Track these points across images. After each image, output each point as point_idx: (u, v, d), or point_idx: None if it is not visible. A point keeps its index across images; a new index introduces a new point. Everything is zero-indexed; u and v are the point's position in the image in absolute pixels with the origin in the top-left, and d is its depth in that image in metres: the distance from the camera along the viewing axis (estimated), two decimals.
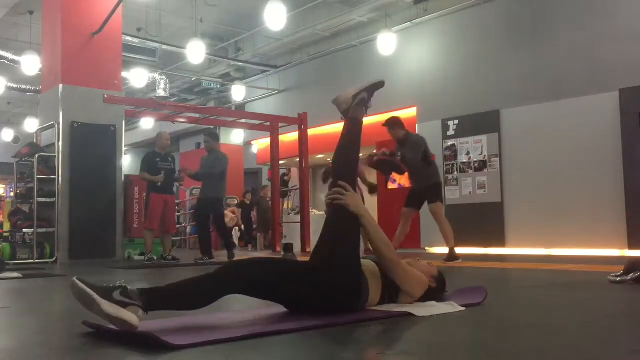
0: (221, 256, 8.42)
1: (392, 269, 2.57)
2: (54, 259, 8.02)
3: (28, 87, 14.51)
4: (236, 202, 16.06)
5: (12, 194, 14.84)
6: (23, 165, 8.92)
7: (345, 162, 2.78)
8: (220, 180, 7.98)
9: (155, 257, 7.81)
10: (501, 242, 9.25)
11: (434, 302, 2.73)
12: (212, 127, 15.92)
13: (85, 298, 2.04)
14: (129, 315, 2.00)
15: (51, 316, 3.08)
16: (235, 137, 16.95)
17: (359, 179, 7.61)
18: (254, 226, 14.41)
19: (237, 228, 15.21)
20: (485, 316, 2.64)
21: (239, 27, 13.88)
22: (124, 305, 2.02)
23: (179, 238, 15.00)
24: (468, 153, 9.86)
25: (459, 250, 7.18)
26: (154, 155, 8.03)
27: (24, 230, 8.25)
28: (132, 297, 2.06)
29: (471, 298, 2.88)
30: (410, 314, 2.48)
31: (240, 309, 2.95)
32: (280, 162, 11.31)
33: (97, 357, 1.94)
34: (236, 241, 14.98)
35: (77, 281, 2.07)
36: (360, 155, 2.89)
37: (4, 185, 20.35)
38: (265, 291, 2.50)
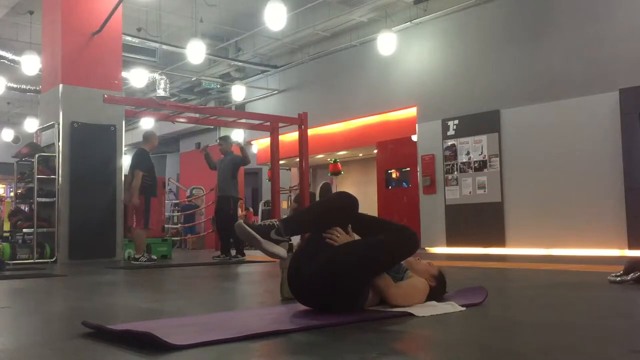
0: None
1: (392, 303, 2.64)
2: (54, 259, 8.01)
3: (28, 87, 14.49)
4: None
5: (12, 194, 14.84)
6: (23, 165, 8.91)
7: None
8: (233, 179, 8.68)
9: (155, 257, 7.84)
10: (501, 242, 9.25)
11: (434, 302, 2.73)
12: (211, 127, 15.92)
13: (249, 238, 2.57)
14: (280, 250, 2.57)
15: (51, 316, 3.08)
16: (235, 137, 16.94)
17: None
18: None
19: None
20: (485, 316, 2.64)
21: (239, 27, 13.87)
22: (277, 242, 2.58)
23: (178, 238, 14.99)
24: (468, 153, 9.86)
25: (457, 250, 7.18)
26: (148, 154, 7.99)
27: (24, 230, 8.24)
28: (283, 234, 2.58)
29: (471, 298, 2.88)
30: (410, 314, 2.48)
31: (240, 309, 2.96)
32: (280, 162, 11.30)
33: (97, 357, 1.95)
34: None
35: (243, 224, 2.58)
36: None
37: (4, 185, 20.34)
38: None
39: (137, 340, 2.00)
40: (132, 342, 2.00)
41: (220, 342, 2.01)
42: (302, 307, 2.73)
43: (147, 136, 8.23)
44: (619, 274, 3.87)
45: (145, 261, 7.56)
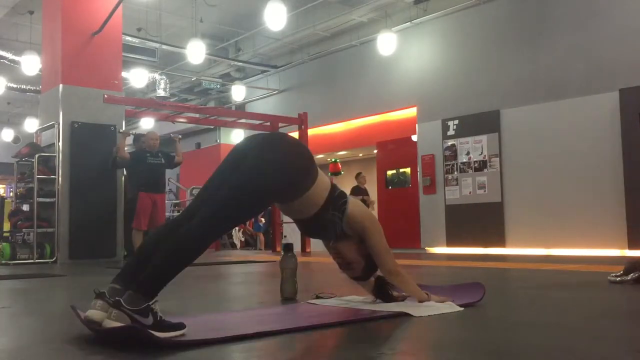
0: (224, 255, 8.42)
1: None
2: (54, 259, 8.01)
3: (28, 87, 14.50)
4: None
5: (12, 194, 14.83)
6: (23, 165, 8.92)
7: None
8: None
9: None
10: (501, 242, 9.25)
11: (432, 302, 2.73)
12: (212, 127, 15.87)
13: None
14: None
15: (51, 316, 3.08)
16: (235, 137, 16.95)
17: None
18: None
19: (236, 228, 15.18)
20: (485, 316, 2.63)
21: (239, 27, 13.88)
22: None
23: None
24: (468, 153, 9.86)
25: (457, 250, 7.17)
26: (144, 151, 8.06)
27: (24, 230, 8.24)
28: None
29: (469, 297, 2.88)
30: (408, 314, 2.48)
31: (240, 309, 2.96)
32: None
33: (97, 356, 1.94)
34: (237, 241, 14.97)
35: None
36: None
37: (4, 185, 20.34)
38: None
39: (137, 339, 2.00)
40: (131, 342, 2.00)
41: (220, 341, 2.00)
42: (302, 307, 2.72)
43: (144, 135, 8.50)
44: (619, 274, 3.86)
45: None
